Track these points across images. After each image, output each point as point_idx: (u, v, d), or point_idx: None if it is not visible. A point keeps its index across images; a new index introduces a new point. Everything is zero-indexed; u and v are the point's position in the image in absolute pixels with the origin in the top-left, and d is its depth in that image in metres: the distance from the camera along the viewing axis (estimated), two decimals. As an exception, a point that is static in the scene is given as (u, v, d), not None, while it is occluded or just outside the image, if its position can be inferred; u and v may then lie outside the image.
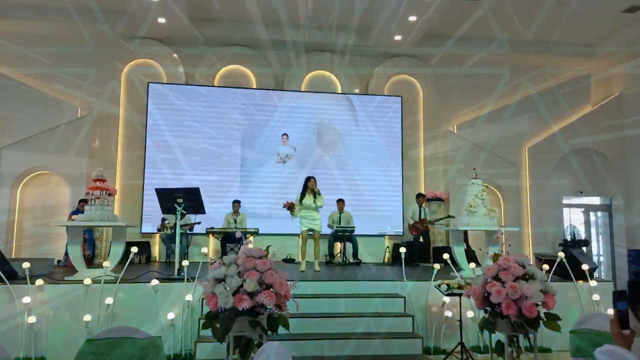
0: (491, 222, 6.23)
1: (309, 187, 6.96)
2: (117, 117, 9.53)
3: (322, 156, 10.02)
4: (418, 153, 10.41)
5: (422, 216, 8.78)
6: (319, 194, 6.95)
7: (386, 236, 9.87)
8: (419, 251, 8.49)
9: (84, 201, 7.23)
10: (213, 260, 3.64)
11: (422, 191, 9.68)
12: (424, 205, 8.96)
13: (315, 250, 7.03)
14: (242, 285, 3.28)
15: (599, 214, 10.93)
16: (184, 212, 5.86)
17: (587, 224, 10.83)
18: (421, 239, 8.73)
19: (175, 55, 9.85)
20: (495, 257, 3.89)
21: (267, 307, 3.28)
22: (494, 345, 3.94)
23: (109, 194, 5.80)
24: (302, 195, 6.97)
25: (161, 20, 8.97)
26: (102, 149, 9.38)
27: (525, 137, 10.41)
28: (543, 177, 10.20)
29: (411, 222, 8.83)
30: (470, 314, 5.28)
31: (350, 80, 10.37)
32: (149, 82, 9.65)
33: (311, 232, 7.00)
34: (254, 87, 10.09)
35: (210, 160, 9.67)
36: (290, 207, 6.88)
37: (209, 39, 9.76)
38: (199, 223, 8.22)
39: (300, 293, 4.14)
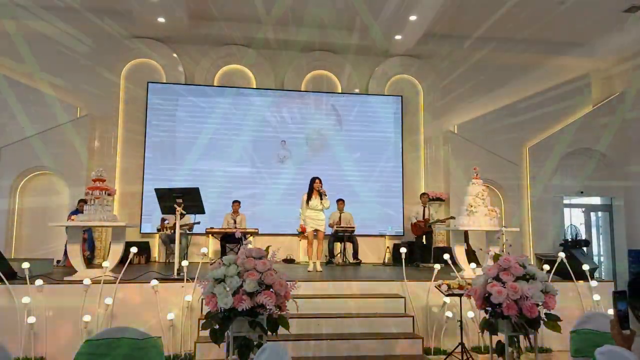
0: (492, 222, 6.22)
1: (315, 188, 6.95)
2: (117, 116, 9.53)
3: (322, 156, 10.01)
4: (418, 153, 10.41)
5: (426, 216, 8.78)
6: (325, 195, 6.95)
7: (386, 236, 9.87)
8: (419, 251, 8.48)
9: (83, 201, 7.22)
10: (213, 261, 3.63)
11: (423, 191, 9.68)
12: (427, 204, 8.96)
13: (318, 250, 7.04)
14: (241, 286, 3.28)
15: (600, 214, 10.93)
16: (183, 212, 5.85)
17: (588, 224, 10.83)
18: (424, 240, 8.73)
19: (175, 55, 9.85)
20: (496, 257, 3.88)
21: (267, 307, 3.27)
22: (494, 346, 3.93)
23: (109, 194, 5.80)
24: (309, 196, 6.97)
25: (161, 19, 8.97)
26: (102, 149, 9.38)
27: (525, 136, 10.40)
28: (544, 177, 10.19)
29: (414, 221, 8.83)
30: (470, 314, 5.27)
31: (350, 80, 10.36)
32: (148, 82, 9.65)
33: (316, 233, 7.04)
34: (254, 87, 10.08)
35: (210, 161, 9.66)
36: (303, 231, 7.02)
37: (208, 39, 9.76)
38: (199, 223, 8.21)
39: (300, 293, 4.13)
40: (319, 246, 7.04)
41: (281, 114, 10.00)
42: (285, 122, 10.01)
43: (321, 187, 6.96)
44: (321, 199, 6.91)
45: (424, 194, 9.13)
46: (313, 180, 7.04)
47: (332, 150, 10.06)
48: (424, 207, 8.90)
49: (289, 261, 9.08)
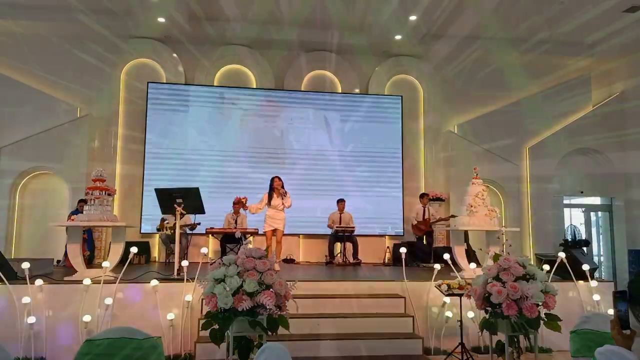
0: (492, 222, 6.22)
1: (275, 187, 6.94)
2: (117, 116, 9.53)
3: (322, 156, 10.01)
4: (418, 153, 10.41)
5: (426, 216, 8.77)
6: (285, 195, 6.92)
7: (386, 236, 9.87)
8: (419, 251, 8.48)
9: (83, 201, 7.23)
10: (213, 261, 3.63)
11: (423, 191, 9.68)
12: (427, 205, 8.96)
13: (277, 249, 7.00)
14: (241, 286, 3.28)
15: (600, 214, 10.93)
16: (183, 212, 5.85)
17: (588, 224, 10.83)
18: (424, 240, 8.73)
19: (175, 55, 9.85)
20: (496, 257, 3.88)
21: (267, 307, 3.28)
22: (494, 346, 3.94)
23: (109, 194, 5.80)
24: (270, 195, 6.95)
25: (161, 19, 8.97)
26: (102, 149, 9.38)
27: (525, 137, 10.40)
28: (544, 177, 10.19)
29: (414, 222, 8.82)
30: (470, 314, 5.27)
31: (350, 80, 10.36)
32: (148, 82, 9.64)
33: (275, 232, 6.99)
34: (254, 87, 10.08)
35: (210, 161, 9.66)
36: (239, 202, 6.86)
37: (208, 39, 9.76)
38: (199, 224, 8.21)
39: (300, 293, 4.13)
40: (278, 245, 6.99)
41: (281, 115, 10.00)
42: (286, 122, 10.00)
43: (281, 186, 6.94)
44: (282, 198, 6.89)
45: (424, 194, 9.12)
46: (272, 179, 7.03)
47: (332, 150, 10.05)
48: (424, 208, 8.90)
49: (289, 261, 9.08)
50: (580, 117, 10.47)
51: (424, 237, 8.78)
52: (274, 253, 3.56)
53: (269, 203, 6.93)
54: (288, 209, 7.02)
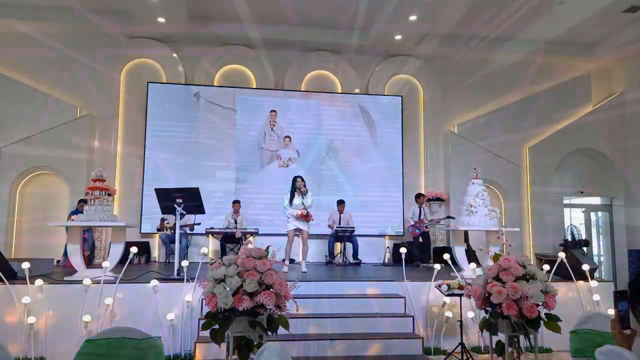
0: (492, 222, 6.22)
1: (297, 187, 6.88)
2: (117, 116, 9.53)
3: (322, 156, 10.01)
4: (418, 153, 10.41)
5: (422, 216, 8.78)
6: (307, 193, 6.88)
7: (386, 236, 9.87)
8: (419, 251, 8.48)
9: (83, 201, 7.24)
10: (213, 261, 3.63)
11: (423, 191, 9.68)
12: (424, 205, 8.96)
13: (304, 250, 6.96)
14: (241, 286, 3.27)
15: (600, 214, 10.93)
16: (183, 212, 5.85)
17: (588, 224, 10.83)
18: (420, 239, 8.73)
19: (175, 55, 9.85)
20: (496, 257, 3.87)
21: (267, 307, 3.27)
22: (494, 346, 3.93)
23: (109, 194, 5.81)
24: (292, 195, 6.89)
25: (161, 19, 8.97)
26: (102, 149, 9.37)
27: (525, 136, 10.40)
28: (544, 177, 10.19)
29: (411, 222, 8.83)
30: (470, 314, 5.27)
31: (350, 80, 10.36)
32: (148, 82, 9.64)
33: (298, 232, 6.94)
34: (254, 87, 10.08)
35: (210, 161, 9.66)
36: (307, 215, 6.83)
37: (208, 39, 9.75)
38: (199, 224, 8.22)
39: (300, 293, 4.13)
40: (304, 246, 6.95)
41: (281, 115, 9.99)
42: (285, 122, 10.00)
43: (303, 185, 6.89)
44: (303, 197, 6.85)
45: (420, 194, 9.09)
46: (295, 179, 6.96)
47: (332, 150, 10.05)
48: (420, 208, 8.90)
49: (289, 261, 9.06)
50: (580, 116, 10.47)
51: (420, 237, 8.76)
52: (273, 252, 3.55)
53: (290, 203, 6.87)
54: (309, 207, 6.91)
